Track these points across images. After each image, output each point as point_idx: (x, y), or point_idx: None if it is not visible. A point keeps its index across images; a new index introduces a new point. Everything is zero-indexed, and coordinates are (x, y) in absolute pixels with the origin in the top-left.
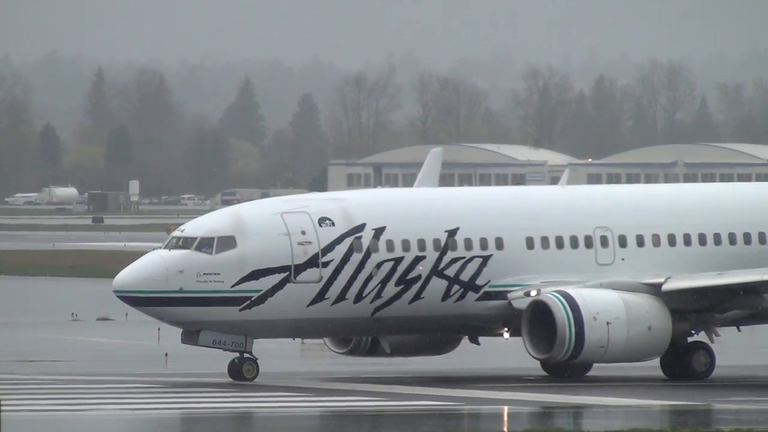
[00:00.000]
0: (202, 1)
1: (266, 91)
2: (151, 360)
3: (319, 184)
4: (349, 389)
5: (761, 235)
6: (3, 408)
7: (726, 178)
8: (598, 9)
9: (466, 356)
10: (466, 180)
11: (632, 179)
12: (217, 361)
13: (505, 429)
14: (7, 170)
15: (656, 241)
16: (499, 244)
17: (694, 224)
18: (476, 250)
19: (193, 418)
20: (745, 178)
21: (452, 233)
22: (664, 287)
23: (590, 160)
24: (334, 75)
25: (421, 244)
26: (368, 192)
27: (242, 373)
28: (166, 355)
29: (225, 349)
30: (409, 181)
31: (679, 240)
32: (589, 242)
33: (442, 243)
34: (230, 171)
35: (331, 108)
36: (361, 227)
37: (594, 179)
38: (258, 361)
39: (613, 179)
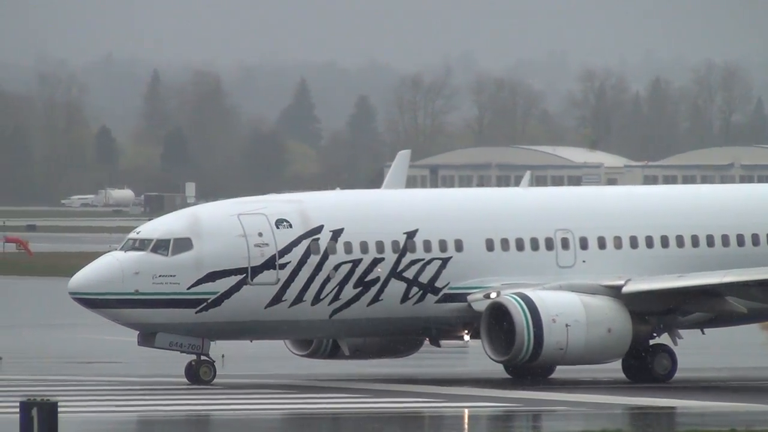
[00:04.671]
0: (259, 3)
1: (322, 92)
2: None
3: (375, 185)
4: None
5: (724, 238)
6: (60, 409)
7: None
8: (654, 10)
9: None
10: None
11: (688, 181)
12: (273, 363)
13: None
14: (63, 172)
15: (618, 243)
16: (459, 246)
17: (656, 226)
18: (435, 252)
19: (247, 419)
20: None
21: (411, 235)
22: (624, 289)
23: (646, 162)
24: (390, 76)
25: (380, 246)
26: (326, 194)
27: (199, 375)
28: (223, 356)
29: (182, 351)
30: (465, 183)
31: (641, 242)
32: (549, 244)
33: (401, 245)
34: (287, 173)
35: (388, 110)
36: (318, 229)
37: (650, 181)
38: (215, 363)
39: (669, 181)
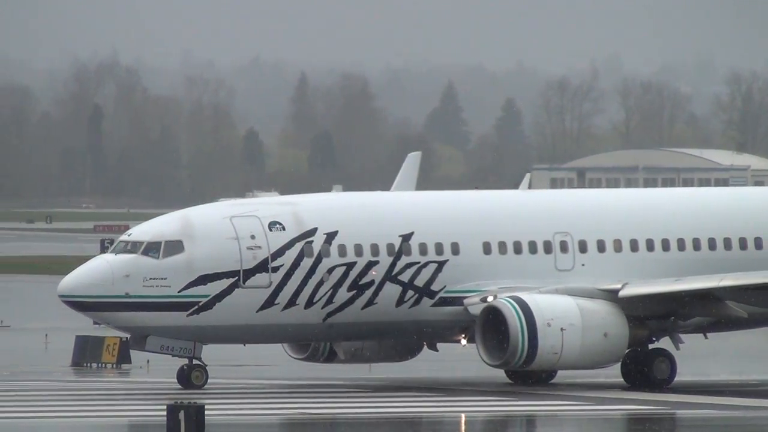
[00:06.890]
0: (405, 6)
1: (469, 95)
2: (355, 367)
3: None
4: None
5: (726, 241)
6: (207, 412)
7: None
8: None
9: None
10: (669, 184)
11: None
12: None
13: None
14: (210, 174)
15: (618, 246)
16: (455, 249)
17: (657, 229)
18: (431, 255)
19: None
20: None
21: (406, 238)
22: (621, 293)
23: None
24: (537, 79)
25: (375, 249)
26: (321, 196)
27: (191, 379)
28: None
29: (173, 355)
30: (612, 186)
31: (642, 245)
32: (548, 247)
33: (396, 248)
34: (433, 175)
35: (535, 112)
36: (312, 231)
37: None
38: (207, 367)
39: None
